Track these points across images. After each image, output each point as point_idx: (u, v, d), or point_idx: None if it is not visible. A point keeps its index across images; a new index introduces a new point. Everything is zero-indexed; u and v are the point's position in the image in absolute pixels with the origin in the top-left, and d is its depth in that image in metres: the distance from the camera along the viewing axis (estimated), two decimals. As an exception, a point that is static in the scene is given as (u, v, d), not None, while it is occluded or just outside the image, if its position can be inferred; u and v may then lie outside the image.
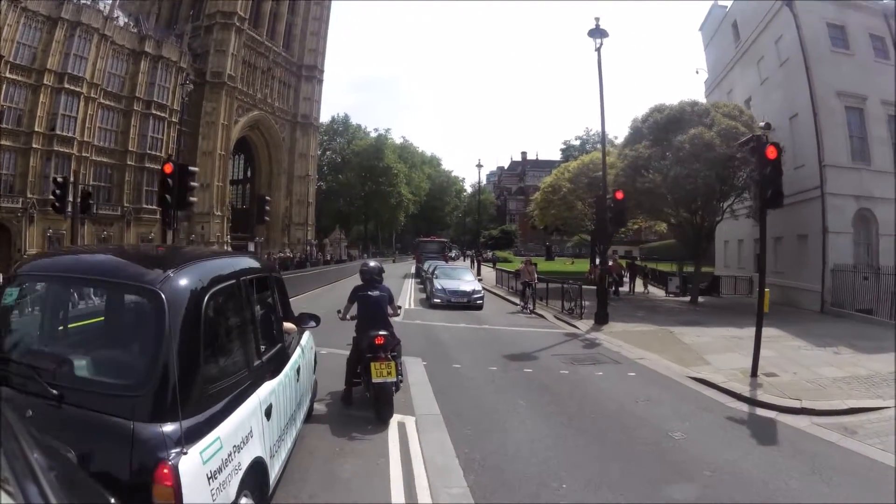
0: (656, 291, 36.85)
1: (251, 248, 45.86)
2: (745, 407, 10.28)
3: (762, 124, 13.42)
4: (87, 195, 26.85)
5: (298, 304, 25.82)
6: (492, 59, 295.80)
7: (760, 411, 10.08)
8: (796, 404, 10.15)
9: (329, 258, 73.28)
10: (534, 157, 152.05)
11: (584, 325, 20.26)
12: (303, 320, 7.49)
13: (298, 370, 6.79)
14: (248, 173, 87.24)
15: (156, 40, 64.27)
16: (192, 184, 18.59)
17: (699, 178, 24.77)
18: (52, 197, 25.17)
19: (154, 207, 54.45)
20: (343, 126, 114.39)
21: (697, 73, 52.15)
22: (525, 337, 18.12)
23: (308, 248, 79.09)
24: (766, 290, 12.87)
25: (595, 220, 39.76)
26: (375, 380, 8.49)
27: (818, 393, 10.97)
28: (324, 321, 9.02)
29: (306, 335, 7.98)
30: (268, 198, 42.12)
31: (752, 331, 18.57)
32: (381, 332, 8.94)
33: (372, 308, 9.41)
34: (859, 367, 13.35)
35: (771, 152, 12.51)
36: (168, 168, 17.50)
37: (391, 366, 8.62)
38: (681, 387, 11.66)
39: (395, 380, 8.74)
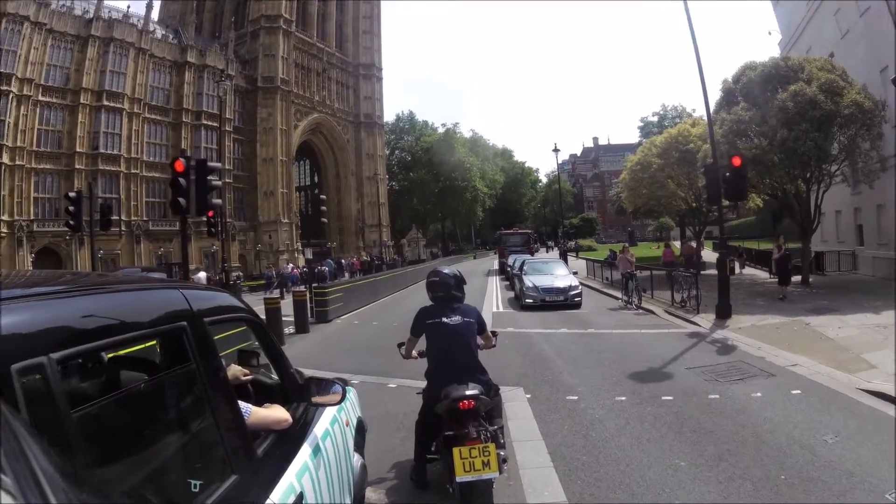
0: (757, 273, 34.27)
1: (308, 254, 42.49)
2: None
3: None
4: (106, 209, 25.53)
5: (368, 315, 24.46)
6: (555, 46, 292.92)
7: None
8: None
9: (404, 259, 71.82)
10: (605, 143, 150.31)
11: (705, 320, 17.71)
12: (312, 390, 4.03)
13: None
14: (316, 178, 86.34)
15: (199, 50, 64.16)
16: (214, 182, 16.43)
17: (808, 140, 22.15)
18: (66, 214, 23.80)
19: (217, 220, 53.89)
20: (409, 124, 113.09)
21: (770, 34, 49.25)
22: (643, 342, 15.56)
23: (382, 249, 77.75)
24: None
25: (695, 196, 37.31)
26: (462, 477, 5.11)
27: None
28: (393, 337, 6.86)
29: (327, 415, 4.37)
30: (323, 196, 40.91)
31: (891, 316, 16.02)
32: (467, 393, 5.49)
33: (450, 344, 6.06)
34: None
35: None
36: (179, 165, 15.07)
37: (489, 451, 5.17)
38: (862, 408, 9.02)
39: (494, 474, 5.19)
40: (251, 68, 70.24)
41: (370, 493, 6.03)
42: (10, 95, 49.25)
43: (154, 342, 2.75)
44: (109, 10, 58.38)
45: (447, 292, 6.35)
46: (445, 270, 6.64)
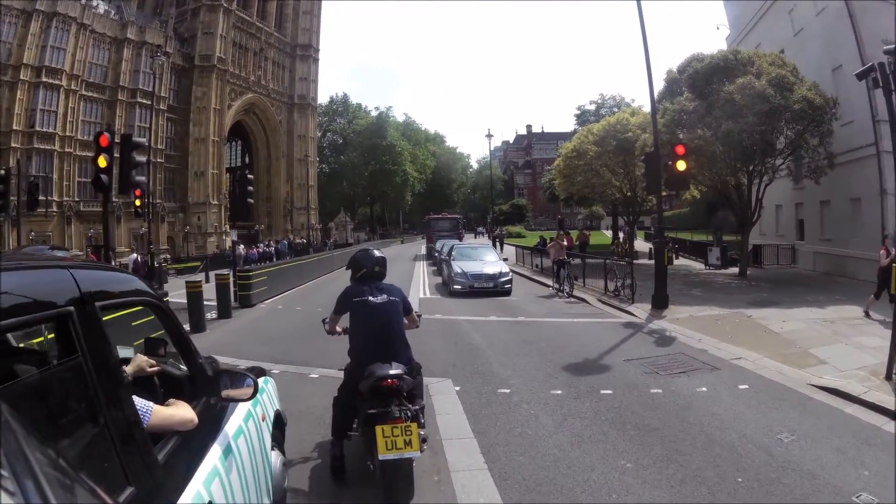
0: (692, 264, 34.33)
1: (234, 236, 42.16)
2: (910, 431, 7.25)
3: (889, 48, 9.95)
4: (34, 188, 24.09)
5: (293, 299, 23.63)
6: (492, 30, 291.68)
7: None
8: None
9: (334, 242, 71.01)
10: (539, 131, 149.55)
11: (640, 310, 17.07)
12: (223, 383, 3.51)
13: None
14: (247, 159, 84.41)
15: (139, 26, 61.42)
16: (139, 159, 15.53)
17: (755, 133, 21.98)
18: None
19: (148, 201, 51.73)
20: (343, 106, 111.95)
21: (718, 28, 49.49)
22: (577, 332, 14.77)
23: (309, 232, 76.68)
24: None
25: (630, 186, 37.33)
26: (384, 455, 5.02)
27: None
28: (317, 323, 6.87)
29: (241, 410, 3.90)
30: (250, 176, 40.01)
31: (838, 311, 15.63)
32: (391, 372, 5.39)
33: (375, 323, 5.87)
34: None
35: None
36: (104, 140, 14.15)
37: (411, 430, 5.11)
38: (815, 404, 8.44)
39: (416, 453, 5.15)
40: (189, 46, 68.21)
41: (291, 493, 5.35)
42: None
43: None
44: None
45: (371, 272, 6.25)
46: (369, 250, 6.55)
